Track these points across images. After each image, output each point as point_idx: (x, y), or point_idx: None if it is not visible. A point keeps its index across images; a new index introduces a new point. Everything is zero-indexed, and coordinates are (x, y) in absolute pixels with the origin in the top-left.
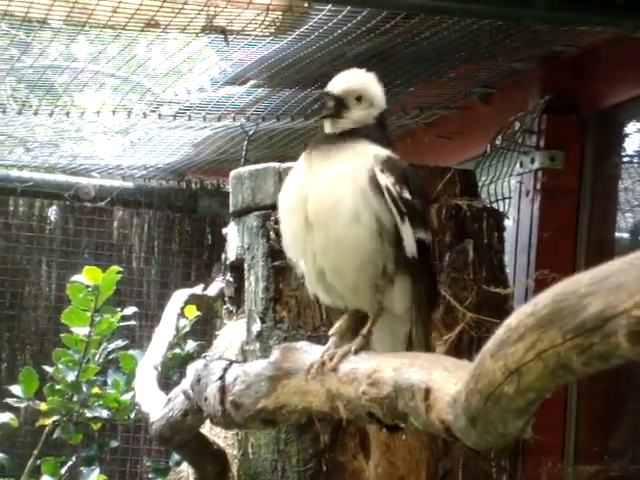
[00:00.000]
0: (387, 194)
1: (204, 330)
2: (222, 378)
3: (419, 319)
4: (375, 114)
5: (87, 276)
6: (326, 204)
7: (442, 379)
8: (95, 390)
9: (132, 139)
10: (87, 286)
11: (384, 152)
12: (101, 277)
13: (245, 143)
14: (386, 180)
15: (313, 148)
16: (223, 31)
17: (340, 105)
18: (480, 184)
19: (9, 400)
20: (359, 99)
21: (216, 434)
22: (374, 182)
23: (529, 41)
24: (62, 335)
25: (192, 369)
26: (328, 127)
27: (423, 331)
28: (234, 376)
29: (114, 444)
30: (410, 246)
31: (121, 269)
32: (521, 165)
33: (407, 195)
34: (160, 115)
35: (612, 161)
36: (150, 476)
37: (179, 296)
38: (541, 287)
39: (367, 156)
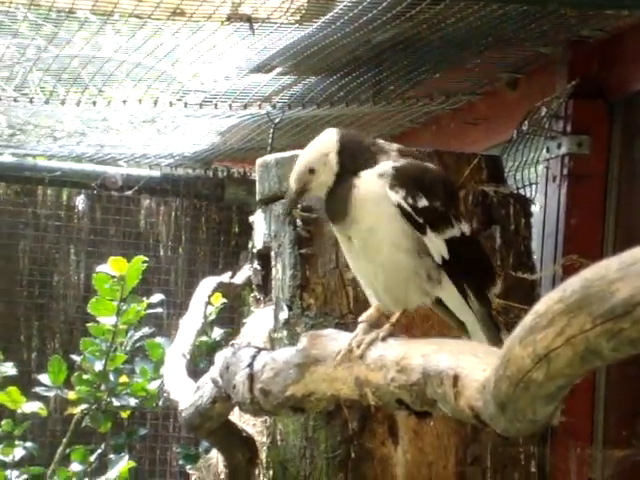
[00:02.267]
0: (401, 213)
1: (231, 318)
2: (250, 366)
3: (473, 307)
4: (334, 168)
5: (112, 266)
6: (372, 247)
7: (471, 365)
8: (123, 379)
9: (159, 128)
10: (113, 276)
11: (387, 165)
12: (126, 267)
13: (271, 131)
14: (396, 196)
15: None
16: (249, 19)
17: (299, 193)
18: (507, 170)
19: (38, 389)
20: (312, 171)
21: (245, 421)
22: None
23: (556, 26)
24: (89, 325)
25: (221, 357)
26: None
27: (482, 317)
28: (262, 364)
29: (143, 432)
30: (438, 253)
31: (147, 258)
32: (548, 150)
33: (423, 202)
34: (186, 104)
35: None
36: (180, 462)
37: (207, 284)
38: (569, 273)
39: (374, 182)
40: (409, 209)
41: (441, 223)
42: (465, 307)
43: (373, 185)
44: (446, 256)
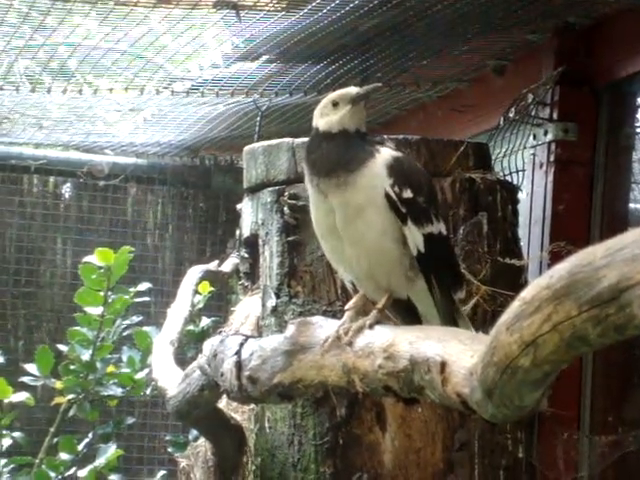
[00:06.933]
0: (386, 200)
1: (219, 306)
2: (238, 353)
3: (438, 303)
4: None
5: (99, 257)
6: (357, 228)
7: (458, 352)
8: (110, 368)
9: (145, 116)
10: (99, 267)
11: (388, 152)
12: (113, 258)
13: (258, 119)
14: (387, 182)
15: (317, 164)
16: (235, 6)
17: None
18: (493, 157)
19: (25, 379)
20: (335, 105)
21: (233, 409)
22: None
23: (543, 12)
24: (76, 315)
25: (208, 344)
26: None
27: (443, 311)
28: (250, 351)
29: (130, 421)
30: (414, 245)
31: (134, 247)
32: (534, 137)
33: (408, 194)
34: (173, 92)
35: (626, 132)
36: (169, 450)
37: (194, 272)
38: (556, 259)
39: (382, 165)
40: (394, 197)
41: (422, 217)
42: (430, 300)
43: (381, 166)
44: (422, 249)
